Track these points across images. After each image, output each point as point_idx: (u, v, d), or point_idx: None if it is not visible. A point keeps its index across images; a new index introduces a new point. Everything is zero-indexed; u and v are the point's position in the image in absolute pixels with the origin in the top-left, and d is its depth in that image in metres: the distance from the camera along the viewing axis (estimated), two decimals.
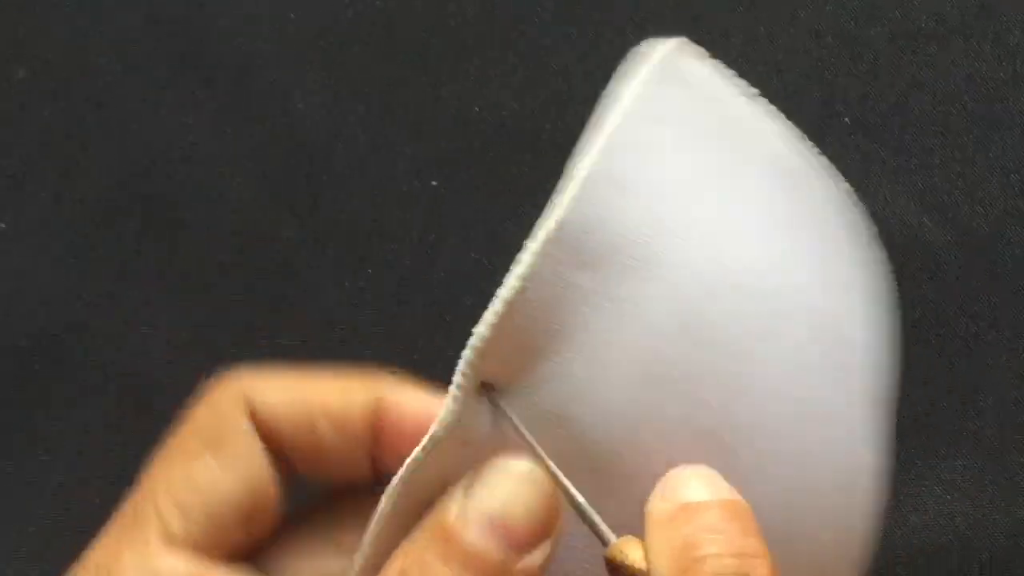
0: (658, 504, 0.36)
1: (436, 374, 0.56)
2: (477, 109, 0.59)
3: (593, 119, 0.37)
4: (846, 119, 0.58)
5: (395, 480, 0.36)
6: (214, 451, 0.37)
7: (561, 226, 0.36)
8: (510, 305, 0.37)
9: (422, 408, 0.39)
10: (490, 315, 0.37)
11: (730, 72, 0.38)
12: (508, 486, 0.36)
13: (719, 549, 0.34)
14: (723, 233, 0.37)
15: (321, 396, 0.38)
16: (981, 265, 0.57)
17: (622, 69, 0.38)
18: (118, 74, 0.59)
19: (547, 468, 0.36)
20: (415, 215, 0.58)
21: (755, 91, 0.39)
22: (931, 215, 0.57)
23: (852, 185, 0.58)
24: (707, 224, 0.37)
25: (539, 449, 0.36)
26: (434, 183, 0.58)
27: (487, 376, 0.37)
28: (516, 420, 0.36)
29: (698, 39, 0.59)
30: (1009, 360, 0.56)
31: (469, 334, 0.58)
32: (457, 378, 0.37)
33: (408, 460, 0.36)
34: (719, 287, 0.36)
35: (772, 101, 0.58)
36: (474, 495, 0.36)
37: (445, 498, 0.36)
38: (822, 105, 0.58)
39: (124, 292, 0.57)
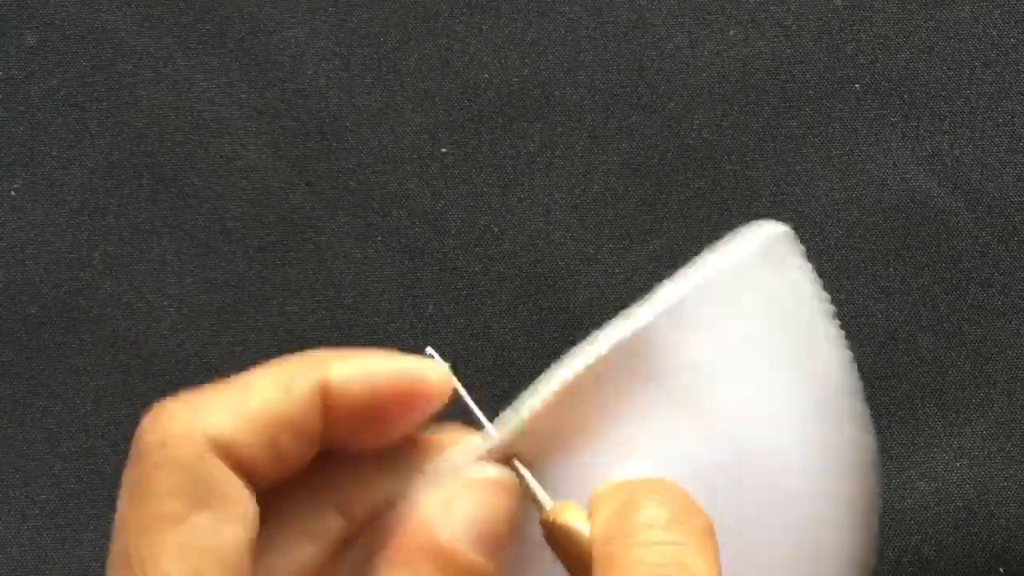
0: (615, 524, 0.37)
1: (445, 341, 0.57)
2: (486, 75, 0.58)
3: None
4: (856, 85, 0.58)
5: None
6: (201, 507, 0.35)
7: (637, 335, 0.38)
8: (562, 390, 0.39)
9: (367, 381, 0.38)
10: (544, 393, 0.39)
11: (818, 281, 0.41)
12: (487, 497, 0.37)
13: (657, 539, 0.35)
14: (763, 416, 0.40)
15: (272, 408, 0.37)
16: (991, 231, 0.56)
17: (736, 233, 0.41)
18: (127, 39, 0.59)
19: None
20: (424, 182, 0.58)
21: (833, 308, 0.41)
22: (941, 181, 0.57)
23: (862, 151, 0.59)
24: (747, 400, 0.39)
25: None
26: (443, 150, 0.58)
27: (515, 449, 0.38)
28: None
29: (709, 2, 0.59)
30: (1019, 327, 0.56)
31: (477, 303, 0.58)
32: (491, 440, 0.38)
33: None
34: (742, 456, 0.39)
35: (782, 66, 0.58)
36: (458, 512, 0.36)
37: (426, 514, 0.36)
38: (832, 71, 0.58)
39: (133, 258, 0.57)
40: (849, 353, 0.41)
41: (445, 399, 0.39)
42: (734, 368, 0.39)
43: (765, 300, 0.40)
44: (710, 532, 0.36)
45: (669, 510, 0.36)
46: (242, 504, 0.36)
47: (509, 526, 0.36)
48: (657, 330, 0.38)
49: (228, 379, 0.38)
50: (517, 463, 0.37)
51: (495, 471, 0.37)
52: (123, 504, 0.36)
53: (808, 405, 0.40)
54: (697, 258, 0.40)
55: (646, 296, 0.39)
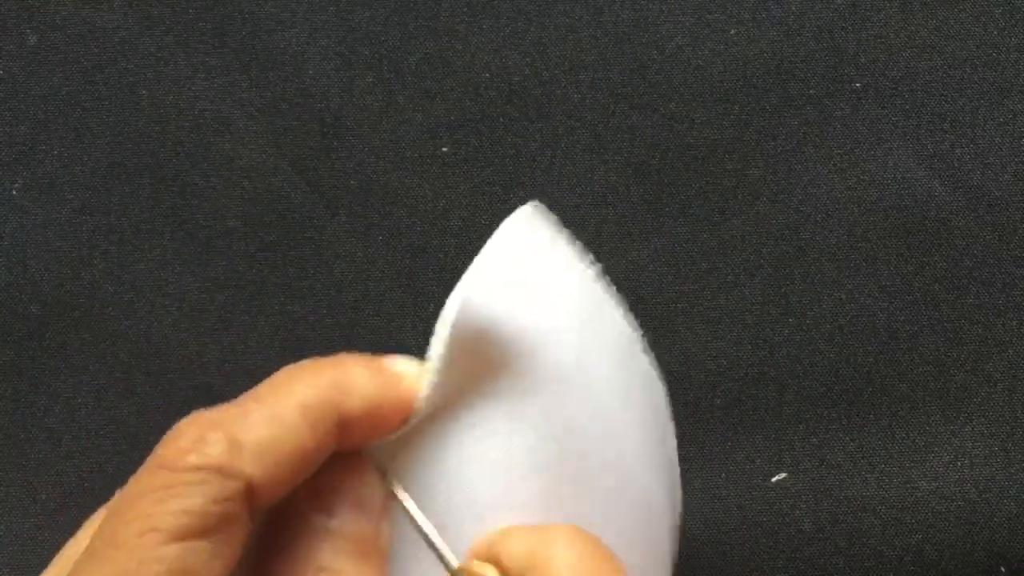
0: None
1: None
2: (487, 75, 0.59)
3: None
4: (856, 84, 0.58)
5: None
6: (211, 535, 0.35)
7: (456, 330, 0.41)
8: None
9: (373, 408, 0.39)
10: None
11: (573, 245, 0.44)
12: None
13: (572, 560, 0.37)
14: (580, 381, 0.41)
15: (299, 444, 0.37)
16: (991, 231, 0.56)
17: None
18: (129, 38, 0.59)
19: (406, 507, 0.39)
20: (425, 181, 0.58)
21: (597, 267, 0.44)
22: (942, 180, 0.57)
23: (862, 151, 0.59)
24: (559, 365, 0.41)
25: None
26: (444, 149, 0.58)
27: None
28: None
29: (709, 2, 0.59)
30: (1020, 326, 0.56)
31: None
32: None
33: None
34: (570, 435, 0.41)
35: (782, 65, 0.58)
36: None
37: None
38: (833, 70, 0.58)
39: (134, 258, 0.57)
40: (620, 309, 0.42)
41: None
42: (538, 340, 0.40)
43: (539, 274, 0.41)
44: None
45: (582, 566, 0.37)
46: (240, 538, 0.36)
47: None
48: (461, 344, 0.40)
49: (257, 396, 0.38)
50: (419, 515, 0.39)
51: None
52: (127, 489, 0.36)
53: (604, 361, 0.41)
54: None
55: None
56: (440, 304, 0.57)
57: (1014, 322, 0.56)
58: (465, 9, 0.59)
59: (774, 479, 0.55)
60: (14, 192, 0.58)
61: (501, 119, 0.58)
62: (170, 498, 0.35)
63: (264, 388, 0.38)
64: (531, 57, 0.59)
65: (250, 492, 0.36)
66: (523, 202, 0.58)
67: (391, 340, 0.57)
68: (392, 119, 0.58)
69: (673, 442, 0.44)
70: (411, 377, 0.40)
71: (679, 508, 0.44)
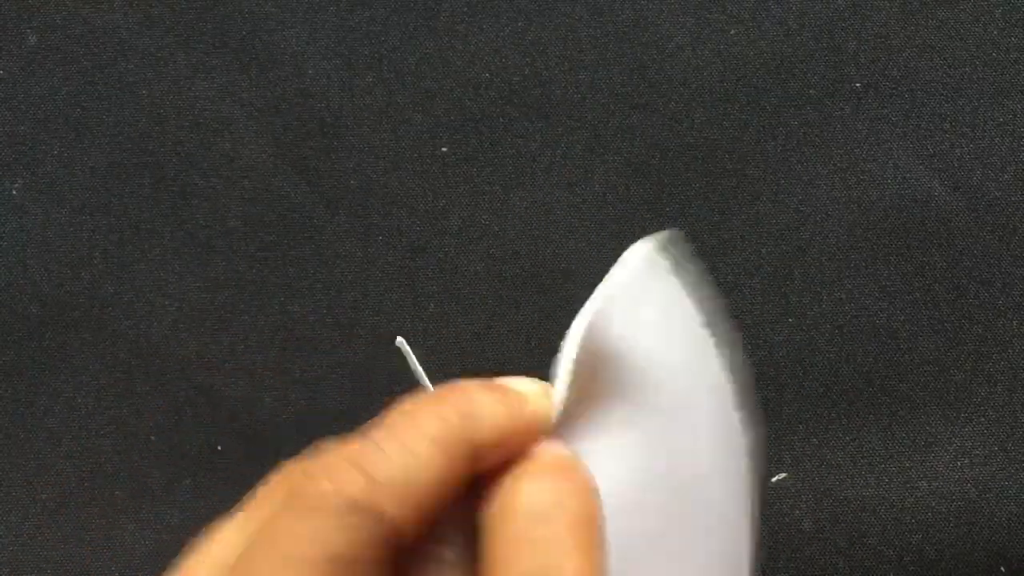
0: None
1: (445, 340, 0.57)
2: (487, 75, 0.59)
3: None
4: (857, 84, 0.58)
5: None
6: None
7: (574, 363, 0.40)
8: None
9: (504, 443, 0.38)
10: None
11: (699, 285, 0.42)
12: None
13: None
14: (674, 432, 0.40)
15: (436, 480, 0.36)
16: (992, 230, 0.56)
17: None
18: (129, 38, 0.59)
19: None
20: (425, 181, 0.58)
21: (719, 309, 0.42)
22: (942, 180, 0.57)
23: (862, 151, 0.59)
24: (667, 409, 0.40)
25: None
26: (444, 149, 0.58)
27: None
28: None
29: (709, 2, 0.59)
30: (1020, 325, 0.56)
31: (478, 302, 0.58)
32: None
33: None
34: (665, 474, 0.40)
35: (782, 65, 0.58)
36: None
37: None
38: (833, 70, 0.58)
39: (134, 258, 0.57)
40: (737, 355, 0.41)
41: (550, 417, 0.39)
42: (653, 372, 0.40)
43: (658, 311, 0.41)
44: (589, 521, 0.36)
45: (551, 494, 0.36)
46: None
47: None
48: (585, 363, 0.39)
49: (385, 429, 0.36)
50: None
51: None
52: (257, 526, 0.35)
53: (709, 407, 0.41)
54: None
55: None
56: (440, 304, 0.57)
57: (1014, 322, 0.56)
58: (465, 9, 0.59)
59: (774, 479, 0.55)
60: (14, 192, 0.58)
61: (501, 119, 0.58)
62: (315, 538, 0.34)
63: (390, 422, 0.36)
64: (531, 57, 0.59)
65: (392, 531, 0.35)
66: (523, 202, 0.58)
67: (391, 340, 0.57)
68: (392, 119, 0.58)
69: (755, 497, 0.43)
70: (537, 398, 0.39)
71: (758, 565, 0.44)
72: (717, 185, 0.57)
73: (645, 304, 0.41)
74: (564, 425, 0.39)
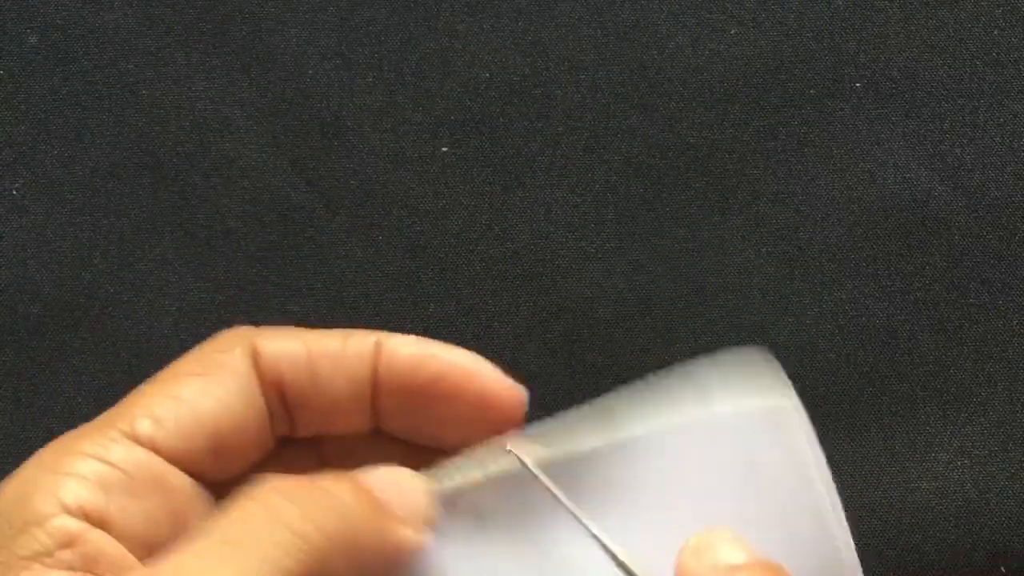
0: (693, 562, 0.36)
1: (446, 340, 0.57)
2: (487, 75, 0.58)
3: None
4: (857, 84, 0.58)
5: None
6: (203, 375, 0.38)
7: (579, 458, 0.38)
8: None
9: (419, 350, 0.39)
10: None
11: (820, 456, 0.39)
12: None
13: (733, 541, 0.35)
14: None
15: (323, 343, 0.38)
16: (992, 230, 0.56)
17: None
18: (129, 38, 0.59)
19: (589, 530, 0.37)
20: (425, 181, 0.58)
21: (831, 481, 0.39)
22: (942, 180, 0.57)
23: (862, 151, 0.59)
24: None
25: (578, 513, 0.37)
26: (444, 149, 0.58)
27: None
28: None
29: (709, 2, 0.59)
30: (1020, 326, 0.56)
31: (478, 302, 0.58)
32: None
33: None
34: None
35: (782, 65, 0.58)
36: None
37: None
38: (833, 70, 0.58)
39: (134, 258, 0.57)
40: (846, 535, 0.39)
41: (513, 415, 0.39)
42: (694, 515, 0.37)
43: (747, 468, 0.38)
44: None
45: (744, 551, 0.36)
46: (239, 393, 0.38)
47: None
48: (603, 459, 0.37)
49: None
50: (609, 544, 0.36)
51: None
52: None
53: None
54: (680, 370, 0.38)
55: (635, 390, 0.38)
56: (440, 304, 0.57)
57: (1014, 322, 0.56)
58: (465, 9, 0.59)
59: None
60: (14, 192, 0.58)
61: (501, 119, 0.58)
62: (190, 353, 0.39)
63: None
64: (531, 57, 0.58)
65: (256, 354, 0.38)
66: (523, 202, 0.58)
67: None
68: (392, 119, 0.58)
69: None
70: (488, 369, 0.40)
71: None
72: (717, 185, 0.57)
73: (734, 445, 0.38)
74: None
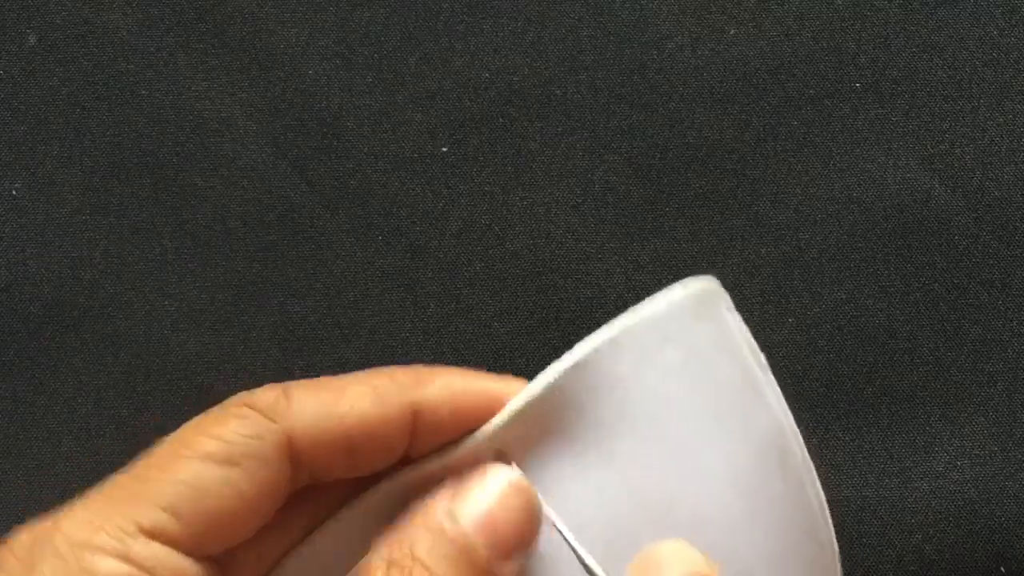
0: None
1: (445, 340, 0.57)
2: (487, 75, 0.59)
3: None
4: (857, 84, 0.58)
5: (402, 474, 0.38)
6: (228, 465, 0.36)
7: (545, 392, 0.39)
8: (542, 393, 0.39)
9: (455, 406, 0.39)
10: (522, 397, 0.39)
11: (748, 333, 0.41)
12: (497, 492, 0.37)
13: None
14: (668, 471, 0.39)
15: (356, 409, 0.37)
16: (992, 230, 0.56)
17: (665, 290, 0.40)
18: (128, 38, 0.59)
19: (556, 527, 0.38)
20: (425, 181, 0.58)
21: (765, 362, 0.41)
22: (942, 180, 0.57)
23: (862, 151, 0.59)
24: (660, 452, 0.39)
25: (551, 513, 0.38)
26: (444, 149, 0.58)
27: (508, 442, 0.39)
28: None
29: (709, 2, 0.59)
30: (1019, 326, 0.56)
31: (478, 302, 0.58)
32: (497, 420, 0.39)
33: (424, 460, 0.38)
34: (645, 507, 0.39)
35: (782, 65, 0.58)
36: (464, 496, 0.37)
37: (431, 497, 0.37)
38: (833, 70, 0.58)
39: (134, 258, 0.57)
40: (783, 406, 0.40)
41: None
42: (651, 425, 0.39)
43: (687, 354, 0.39)
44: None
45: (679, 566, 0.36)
46: (266, 484, 0.37)
47: (515, 528, 0.36)
48: (563, 388, 0.38)
49: (326, 380, 0.39)
50: (562, 528, 0.38)
51: (512, 474, 0.37)
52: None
53: (735, 460, 0.39)
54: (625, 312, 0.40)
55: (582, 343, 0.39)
56: (440, 304, 0.57)
57: (1014, 322, 0.56)
58: (465, 9, 0.59)
59: None
60: (14, 192, 0.58)
61: (501, 119, 0.58)
62: (209, 426, 0.37)
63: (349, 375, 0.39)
64: (531, 57, 0.59)
65: (290, 441, 0.37)
66: (523, 202, 0.58)
67: (390, 340, 0.57)
68: (392, 119, 0.58)
69: (807, 538, 0.42)
70: (501, 387, 0.39)
71: None
72: (717, 185, 0.57)
73: (673, 344, 0.39)
74: (528, 445, 0.38)
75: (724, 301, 0.40)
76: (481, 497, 0.37)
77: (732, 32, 0.59)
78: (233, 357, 0.56)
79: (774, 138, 0.58)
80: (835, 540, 0.41)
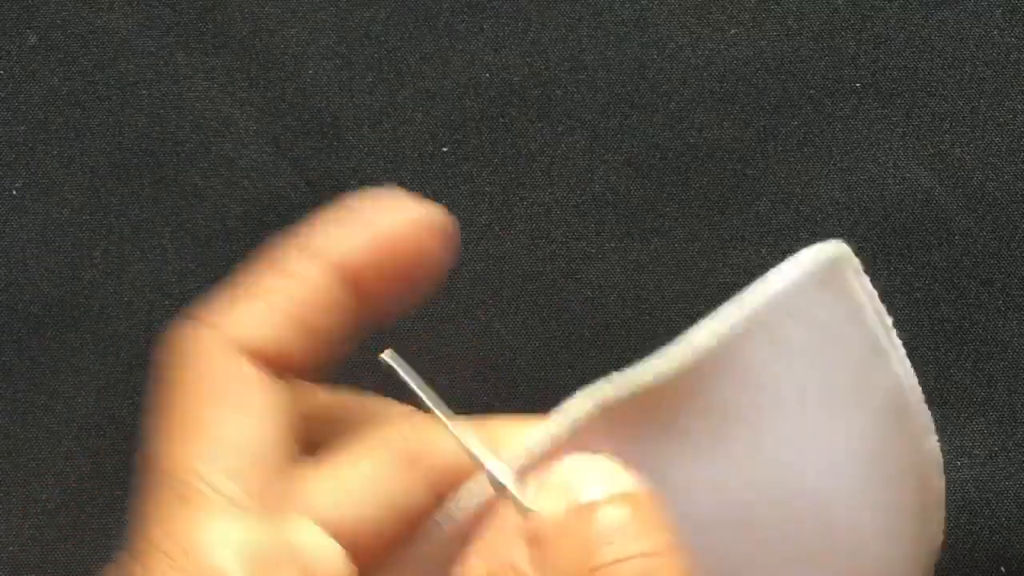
0: (550, 503, 0.34)
1: (445, 340, 0.57)
2: (487, 75, 0.59)
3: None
4: (857, 84, 0.58)
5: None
6: (230, 408, 0.36)
7: (656, 383, 0.36)
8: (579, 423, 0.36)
9: (372, 246, 0.39)
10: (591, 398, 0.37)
11: (874, 293, 0.40)
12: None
13: (617, 554, 0.33)
14: (790, 457, 0.38)
15: (289, 297, 0.38)
16: (992, 230, 0.56)
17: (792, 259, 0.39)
18: (129, 38, 0.59)
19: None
20: (425, 181, 0.58)
21: (890, 322, 0.40)
22: (942, 181, 0.57)
23: (862, 151, 0.59)
24: (782, 439, 0.37)
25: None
26: (444, 149, 0.58)
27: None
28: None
29: (709, 2, 0.59)
30: (1020, 326, 0.56)
31: (478, 302, 0.58)
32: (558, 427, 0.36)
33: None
34: (765, 498, 0.37)
35: (782, 65, 0.58)
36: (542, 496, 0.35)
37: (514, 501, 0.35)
38: (833, 70, 0.58)
39: (135, 258, 0.57)
40: (906, 366, 0.40)
41: (448, 234, 0.39)
42: (774, 411, 0.37)
43: (811, 330, 0.38)
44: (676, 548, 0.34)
45: (634, 515, 0.34)
46: (268, 402, 0.36)
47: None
48: (685, 377, 0.37)
49: (234, 285, 0.39)
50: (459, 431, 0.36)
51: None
52: (152, 426, 0.37)
53: (856, 429, 0.38)
54: (754, 283, 0.38)
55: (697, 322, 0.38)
56: (440, 304, 0.57)
57: (1014, 322, 0.56)
58: (465, 9, 0.59)
59: None
60: (14, 192, 0.58)
61: (501, 119, 0.58)
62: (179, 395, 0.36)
63: None
64: (531, 57, 0.58)
65: (254, 352, 0.37)
66: (523, 202, 0.58)
67: (391, 340, 0.56)
68: (392, 119, 0.58)
69: (930, 524, 0.41)
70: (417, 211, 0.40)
71: None
72: (717, 185, 0.57)
73: (800, 321, 0.37)
74: (636, 435, 0.36)
75: (851, 266, 0.39)
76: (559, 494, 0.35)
77: (732, 32, 0.59)
78: None
79: (774, 138, 0.58)
80: (943, 486, 0.40)
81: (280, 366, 0.37)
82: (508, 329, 0.57)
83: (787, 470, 0.37)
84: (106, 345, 0.57)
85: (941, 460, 0.40)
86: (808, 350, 0.38)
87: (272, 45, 0.59)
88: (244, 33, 0.59)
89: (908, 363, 0.40)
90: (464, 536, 0.36)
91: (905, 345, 0.56)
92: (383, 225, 0.38)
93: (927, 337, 0.56)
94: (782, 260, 0.57)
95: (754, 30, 0.59)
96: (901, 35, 0.58)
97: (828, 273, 0.38)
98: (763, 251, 0.57)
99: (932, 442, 0.40)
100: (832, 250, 0.39)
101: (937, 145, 0.57)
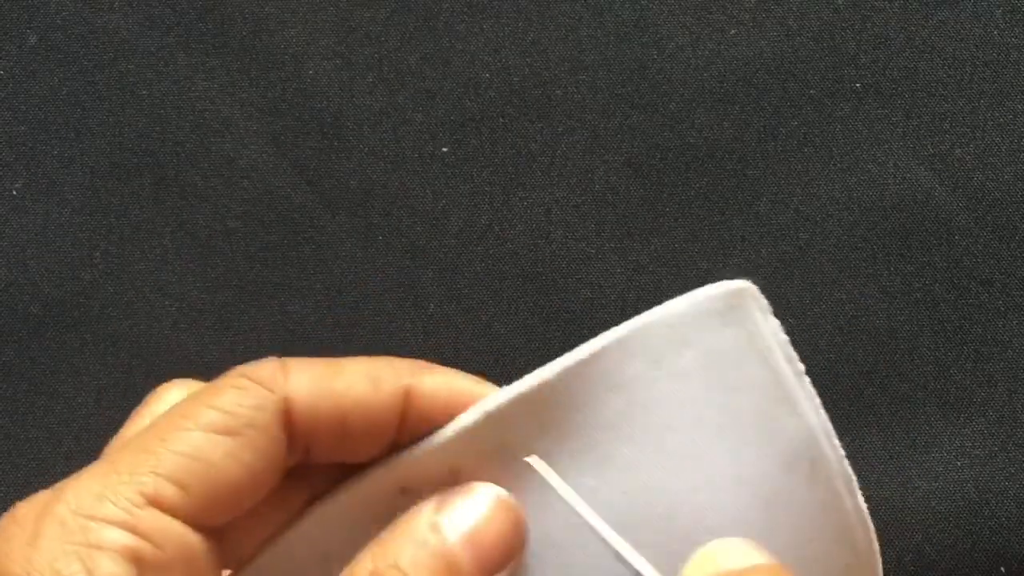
0: (694, 573, 0.36)
1: (445, 340, 0.57)
2: (487, 75, 0.59)
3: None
4: (857, 85, 0.58)
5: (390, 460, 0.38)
6: (232, 436, 0.36)
7: (539, 389, 0.38)
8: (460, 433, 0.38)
9: (448, 397, 0.39)
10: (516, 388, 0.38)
11: (785, 339, 0.40)
12: (484, 507, 0.37)
13: None
14: (673, 479, 0.38)
15: (353, 391, 0.37)
16: (992, 230, 0.56)
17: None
18: (129, 38, 0.59)
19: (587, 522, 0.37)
20: (425, 181, 0.58)
21: (802, 368, 0.40)
22: (942, 180, 0.57)
23: (862, 151, 0.59)
24: (669, 459, 0.38)
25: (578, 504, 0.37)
26: (444, 149, 0.58)
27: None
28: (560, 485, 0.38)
29: (709, 2, 0.59)
30: (1020, 326, 0.56)
31: (478, 302, 0.58)
32: (487, 407, 0.38)
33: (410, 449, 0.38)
34: (640, 514, 0.38)
35: (782, 65, 0.58)
36: (449, 510, 0.36)
37: (416, 509, 0.37)
38: (833, 70, 0.58)
39: (134, 258, 0.57)
40: (820, 415, 0.40)
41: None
42: (663, 433, 0.38)
43: (707, 358, 0.38)
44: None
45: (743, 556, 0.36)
46: (266, 457, 0.36)
47: (500, 546, 0.36)
48: (563, 386, 0.38)
49: (323, 359, 0.39)
50: (584, 513, 0.37)
51: (499, 492, 0.37)
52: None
53: (755, 469, 0.38)
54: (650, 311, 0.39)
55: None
56: (440, 304, 0.57)
57: (1013, 323, 0.56)
58: (465, 9, 0.59)
59: None
60: (14, 192, 0.58)
61: (501, 119, 0.58)
62: (210, 396, 0.36)
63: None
64: (531, 57, 0.59)
65: (287, 412, 0.37)
66: (523, 202, 0.58)
67: (390, 340, 0.57)
68: (392, 119, 0.58)
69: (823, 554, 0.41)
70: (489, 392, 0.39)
71: None
72: (717, 185, 0.57)
73: (692, 347, 0.38)
74: (528, 439, 0.38)
75: (757, 304, 0.39)
76: (468, 512, 0.36)
77: (732, 32, 0.59)
78: (233, 357, 0.56)
79: (774, 138, 0.58)
80: (876, 548, 0.40)
81: (297, 432, 0.38)
82: (508, 329, 0.57)
83: (667, 491, 0.38)
84: (106, 345, 0.57)
85: (869, 522, 0.40)
86: (705, 379, 0.38)
87: (272, 45, 0.59)
88: (244, 33, 0.59)
89: (824, 415, 0.40)
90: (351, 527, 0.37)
91: (905, 345, 0.56)
92: (465, 390, 0.39)
93: (927, 337, 0.56)
94: (782, 260, 0.57)
95: (754, 30, 0.59)
96: (901, 35, 0.58)
97: (726, 307, 0.38)
98: (763, 251, 0.57)
99: (856, 502, 0.40)
100: (736, 287, 0.39)
101: (937, 145, 0.57)
